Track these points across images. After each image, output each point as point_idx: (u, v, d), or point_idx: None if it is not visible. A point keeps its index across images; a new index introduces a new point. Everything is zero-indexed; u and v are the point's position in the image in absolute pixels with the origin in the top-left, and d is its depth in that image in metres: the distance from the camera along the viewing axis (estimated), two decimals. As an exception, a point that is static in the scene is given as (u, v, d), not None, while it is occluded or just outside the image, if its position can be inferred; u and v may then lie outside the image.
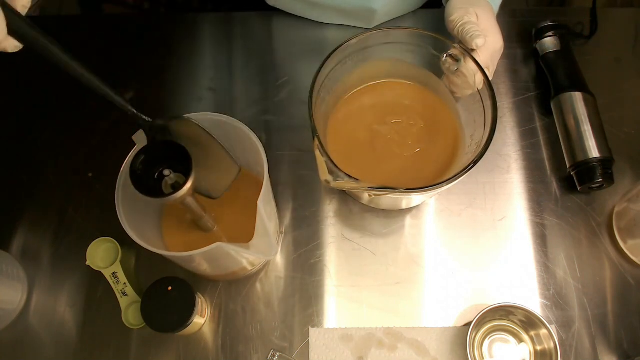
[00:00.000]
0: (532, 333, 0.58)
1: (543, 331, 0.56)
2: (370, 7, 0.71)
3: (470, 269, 0.64)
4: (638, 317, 0.61)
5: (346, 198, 0.68)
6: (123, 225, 0.48)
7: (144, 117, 0.48)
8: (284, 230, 0.66)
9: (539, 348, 0.58)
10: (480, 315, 0.56)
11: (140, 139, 0.52)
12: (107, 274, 0.62)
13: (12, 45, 0.40)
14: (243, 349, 0.60)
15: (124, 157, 0.52)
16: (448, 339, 0.60)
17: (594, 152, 0.63)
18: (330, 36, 0.78)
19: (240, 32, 0.80)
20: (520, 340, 0.59)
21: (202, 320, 0.59)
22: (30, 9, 0.41)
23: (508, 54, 0.76)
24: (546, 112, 0.72)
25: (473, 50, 0.55)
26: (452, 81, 0.58)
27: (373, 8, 0.71)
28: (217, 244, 0.45)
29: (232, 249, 0.47)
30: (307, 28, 0.79)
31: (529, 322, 0.58)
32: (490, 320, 0.60)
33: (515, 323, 0.60)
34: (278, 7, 0.78)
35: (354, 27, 0.77)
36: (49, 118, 0.74)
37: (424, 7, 0.79)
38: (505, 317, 0.60)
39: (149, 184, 0.46)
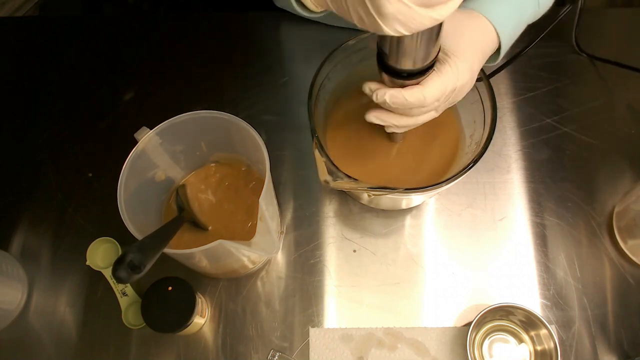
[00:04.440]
0: (532, 333, 0.58)
1: (543, 331, 0.56)
2: None
3: (470, 269, 0.64)
4: (638, 317, 0.61)
5: (346, 198, 0.68)
6: (125, 222, 0.48)
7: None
8: (284, 230, 0.66)
9: (539, 348, 0.58)
10: (480, 315, 0.56)
11: (141, 137, 0.52)
12: (107, 274, 0.62)
13: None
14: (243, 349, 0.60)
15: (124, 156, 0.52)
16: (448, 339, 0.60)
17: None
18: (330, 36, 0.78)
19: (240, 32, 0.80)
20: (520, 340, 0.59)
21: (202, 320, 0.59)
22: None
23: (508, 53, 0.76)
24: (546, 112, 0.72)
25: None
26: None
27: None
28: (219, 241, 0.45)
29: (233, 247, 0.47)
30: (308, 28, 0.79)
31: (529, 322, 0.58)
32: (490, 320, 0.60)
33: (515, 323, 0.60)
34: (287, 9, 0.78)
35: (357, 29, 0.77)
36: (49, 118, 0.74)
37: None
38: (505, 317, 0.60)
39: None
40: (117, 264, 0.38)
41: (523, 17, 0.53)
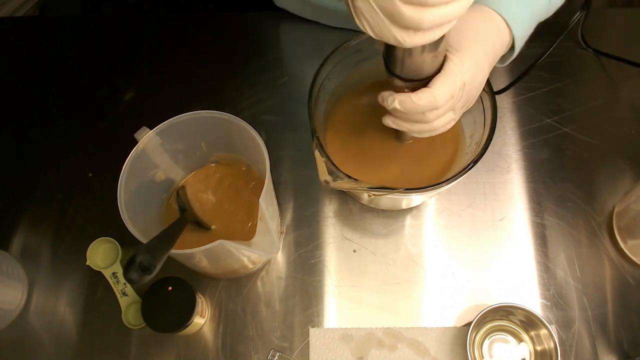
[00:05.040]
0: (532, 333, 0.58)
1: (543, 331, 0.56)
2: None
3: (470, 269, 0.64)
4: (638, 317, 0.61)
5: (346, 198, 0.68)
6: (125, 222, 0.48)
7: None
8: (284, 230, 0.66)
9: (539, 348, 0.58)
10: (480, 315, 0.56)
11: (141, 137, 0.53)
12: (107, 274, 0.62)
13: None
14: (243, 349, 0.60)
15: (124, 156, 0.52)
16: (448, 339, 0.60)
17: None
18: (330, 36, 0.78)
19: (240, 32, 0.80)
20: (520, 340, 0.59)
21: (202, 320, 0.59)
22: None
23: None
24: (546, 112, 0.72)
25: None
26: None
27: None
28: (219, 241, 0.45)
29: (233, 247, 0.47)
30: (308, 28, 0.79)
31: (529, 322, 0.58)
32: (490, 320, 0.60)
33: (515, 323, 0.60)
34: (287, 9, 0.78)
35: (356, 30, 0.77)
36: (49, 118, 0.74)
37: None
38: (505, 317, 0.60)
39: None
40: (128, 266, 0.39)
41: (535, 12, 0.52)
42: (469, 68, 0.45)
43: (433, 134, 0.49)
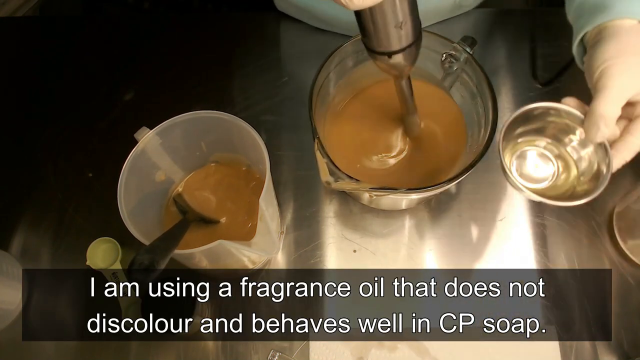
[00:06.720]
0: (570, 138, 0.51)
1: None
2: None
3: (471, 269, 0.64)
4: (638, 317, 0.61)
5: (346, 198, 0.68)
6: (125, 222, 0.48)
7: None
8: (284, 230, 0.66)
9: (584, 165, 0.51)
10: (509, 123, 0.49)
11: (141, 137, 0.53)
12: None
13: None
14: (243, 349, 0.60)
15: (124, 156, 0.52)
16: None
17: None
18: (330, 36, 0.78)
19: (240, 33, 0.80)
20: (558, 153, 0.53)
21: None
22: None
23: (509, 54, 0.76)
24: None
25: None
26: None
27: None
28: (219, 241, 0.45)
29: (233, 247, 0.47)
30: (308, 28, 0.79)
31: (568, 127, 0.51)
32: (521, 133, 0.53)
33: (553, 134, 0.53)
34: (287, 13, 0.78)
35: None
36: (49, 118, 0.74)
37: None
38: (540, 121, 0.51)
39: None
40: (131, 266, 0.39)
41: None
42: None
43: None
